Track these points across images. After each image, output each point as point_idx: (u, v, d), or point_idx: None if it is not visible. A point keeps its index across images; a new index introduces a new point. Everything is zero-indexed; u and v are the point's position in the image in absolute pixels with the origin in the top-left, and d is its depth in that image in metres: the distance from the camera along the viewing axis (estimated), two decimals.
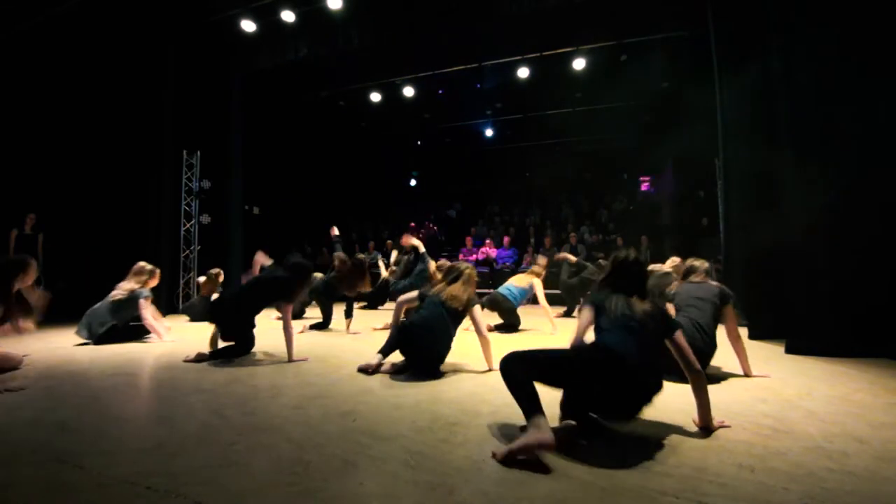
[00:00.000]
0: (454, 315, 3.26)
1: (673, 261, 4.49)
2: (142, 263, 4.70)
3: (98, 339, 4.32)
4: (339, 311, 5.56)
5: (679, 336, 2.06)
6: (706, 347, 2.92)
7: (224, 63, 8.33)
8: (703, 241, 8.18)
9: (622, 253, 2.28)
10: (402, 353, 3.24)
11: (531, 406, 1.78)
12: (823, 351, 3.77)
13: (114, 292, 4.51)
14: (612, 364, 1.90)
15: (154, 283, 4.71)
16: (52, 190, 7.27)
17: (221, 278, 6.30)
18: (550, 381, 1.94)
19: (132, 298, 4.50)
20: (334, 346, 4.35)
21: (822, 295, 3.91)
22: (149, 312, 4.57)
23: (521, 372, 1.87)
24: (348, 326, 5.22)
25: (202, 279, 6.46)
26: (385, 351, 3.27)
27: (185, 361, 3.56)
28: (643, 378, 1.92)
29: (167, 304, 7.09)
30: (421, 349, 3.17)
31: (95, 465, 1.69)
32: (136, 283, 4.55)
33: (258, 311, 3.89)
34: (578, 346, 2.12)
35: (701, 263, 3.33)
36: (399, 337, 3.22)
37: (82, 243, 7.18)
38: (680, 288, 3.32)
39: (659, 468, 1.67)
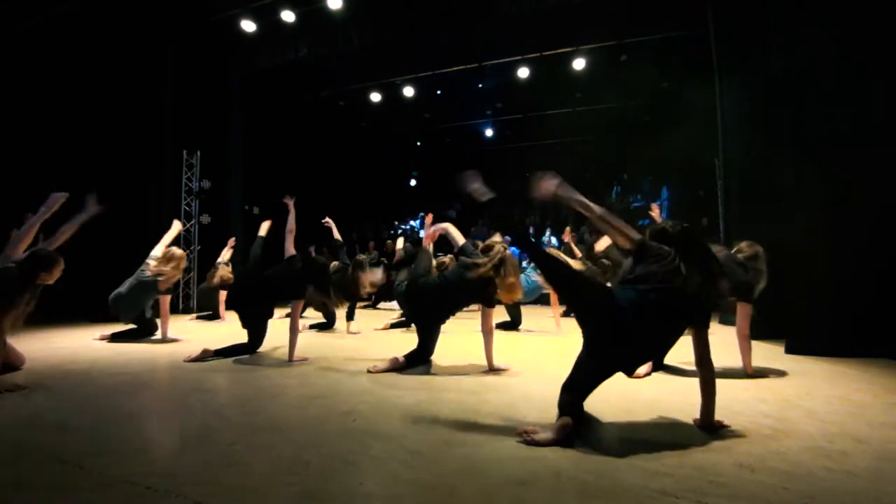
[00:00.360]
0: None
1: None
2: (175, 249, 4.70)
3: (134, 321, 4.59)
4: (338, 312, 5.56)
5: (705, 333, 2.05)
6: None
7: (224, 63, 8.34)
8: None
9: (658, 224, 2.24)
10: (403, 304, 3.38)
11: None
12: (823, 351, 3.77)
13: (145, 269, 4.50)
14: (619, 322, 1.94)
15: (173, 272, 4.54)
16: (52, 189, 7.27)
17: (230, 267, 6.26)
18: (560, 285, 2.22)
19: (155, 287, 4.50)
20: (335, 347, 4.35)
21: (822, 295, 3.90)
22: (166, 307, 4.69)
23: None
24: (349, 327, 5.23)
25: (226, 254, 6.34)
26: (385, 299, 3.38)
27: (187, 361, 3.56)
28: (637, 344, 1.95)
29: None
30: (424, 308, 3.31)
31: (95, 465, 1.69)
32: (164, 266, 4.48)
33: (275, 304, 3.92)
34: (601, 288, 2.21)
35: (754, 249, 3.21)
36: (408, 291, 3.31)
37: (82, 243, 7.17)
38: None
39: (659, 468, 1.67)
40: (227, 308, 3.96)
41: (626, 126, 11.63)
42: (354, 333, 5.18)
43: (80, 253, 7.06)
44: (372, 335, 5.13)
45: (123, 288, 4.52)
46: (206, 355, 3.60)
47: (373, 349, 4.10)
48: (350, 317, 5.28)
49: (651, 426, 2.14)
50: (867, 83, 3.85)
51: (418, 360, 3.34)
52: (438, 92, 10.87)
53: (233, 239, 6.33)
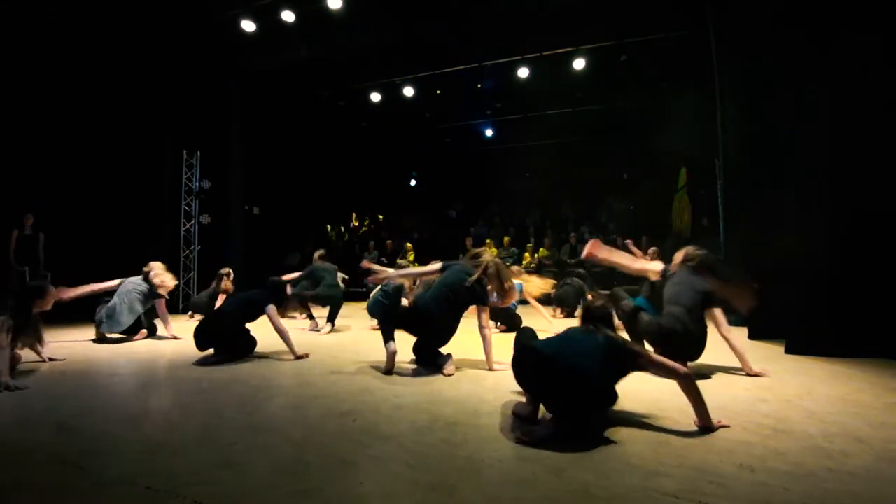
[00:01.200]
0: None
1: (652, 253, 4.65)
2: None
3: (129, 332, 4.62)
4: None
5: (647, 361, 2.09)
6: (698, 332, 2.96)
7: (224, 63, 8.33)
8: (703, 242, 8.15)
9: (594, 302, 2.37)
10: (410, 331, 3.37)
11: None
12: (823, 351, 3.77)
13: (136, 287, 4.62)
14: (541, 364, 2.03)
15: (168, 278, 4.78)
16: (52, 190, 7.28)
17: (231, 276, 6.24)
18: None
19: (151, 297, 4.66)
20: (334, 346, 4.35)
21: (822, 295, 3.90)
22: (163, 306, 4.79)
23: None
24: (330, 330, 5.32)
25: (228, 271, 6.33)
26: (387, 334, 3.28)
27: (196, 364, 3.49)
28: (578, 383, 1.95)
29: (167, 303, 7.09)
30: (428, 328, 3.31)
31: (95, 465, 1.69)
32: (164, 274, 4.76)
33: (244, 324, 3.84)
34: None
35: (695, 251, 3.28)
36: (407, 315, 3.34)
37: (82, 243, 7.18)
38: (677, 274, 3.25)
39: (659, 468, 1.67)
40: (198, 346, 3.78)
41: (626, 126, 11.62)
42: (318, 331, 5.27)
43: (80, 252, 7.12)
44: (371, 335, 5.13)
45: (117, 303, 4.47)
46: (218, 358, 3.57)
47: (372, 349, 4.10)
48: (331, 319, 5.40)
49: (651, 426, 2.14)
50: (868, 83, 3.85)
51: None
52: (438, 92, 10.85)
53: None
